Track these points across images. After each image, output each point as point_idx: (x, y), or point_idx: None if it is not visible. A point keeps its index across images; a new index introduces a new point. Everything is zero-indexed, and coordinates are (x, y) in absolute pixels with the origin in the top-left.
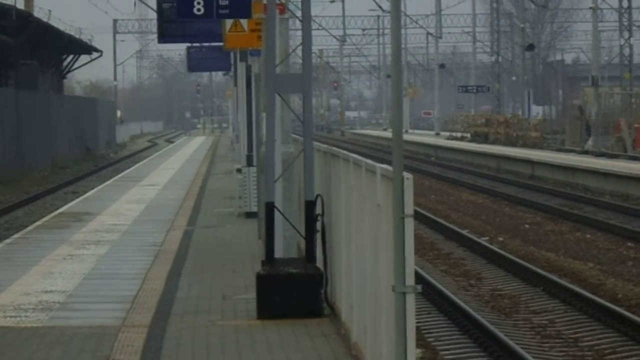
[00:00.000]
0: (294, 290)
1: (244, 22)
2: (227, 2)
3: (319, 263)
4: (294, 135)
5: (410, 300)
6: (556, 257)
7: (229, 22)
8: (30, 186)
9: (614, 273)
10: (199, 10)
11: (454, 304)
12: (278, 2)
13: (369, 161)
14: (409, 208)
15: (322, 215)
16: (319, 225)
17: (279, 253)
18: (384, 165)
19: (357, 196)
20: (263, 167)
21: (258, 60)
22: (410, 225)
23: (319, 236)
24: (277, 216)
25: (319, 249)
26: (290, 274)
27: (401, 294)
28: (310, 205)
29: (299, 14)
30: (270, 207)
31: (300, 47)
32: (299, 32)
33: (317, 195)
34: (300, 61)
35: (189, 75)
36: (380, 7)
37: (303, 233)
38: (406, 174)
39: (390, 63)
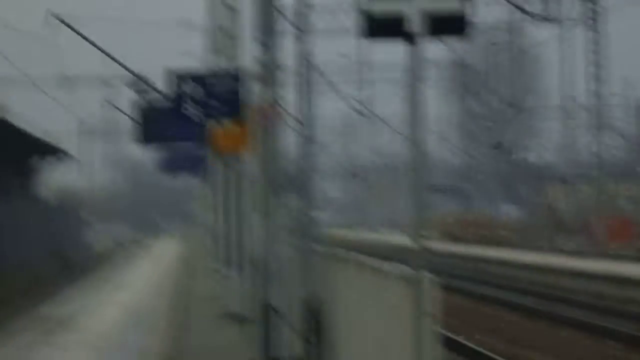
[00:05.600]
0: None
1: (233, 124)
2: (218, 104)
3: None
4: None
5: None
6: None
7: (218, 125)
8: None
9: None
10: (185, 109)
11: None
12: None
13: (371, 260)
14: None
15: (324, 317)
16: (320, 327)
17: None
18: (387, 264)
19: (356, 297)
20: (259, 268)
21: (248, 162)
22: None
23: (320, 338)
24: (276, 318)
25: (320, 352)
26: None
27: None
28: (310, 307)
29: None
30: (267, 309)
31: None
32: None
33: (318, 297)
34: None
35: (162, 179)
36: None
37: (303, 335)
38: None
39: None
